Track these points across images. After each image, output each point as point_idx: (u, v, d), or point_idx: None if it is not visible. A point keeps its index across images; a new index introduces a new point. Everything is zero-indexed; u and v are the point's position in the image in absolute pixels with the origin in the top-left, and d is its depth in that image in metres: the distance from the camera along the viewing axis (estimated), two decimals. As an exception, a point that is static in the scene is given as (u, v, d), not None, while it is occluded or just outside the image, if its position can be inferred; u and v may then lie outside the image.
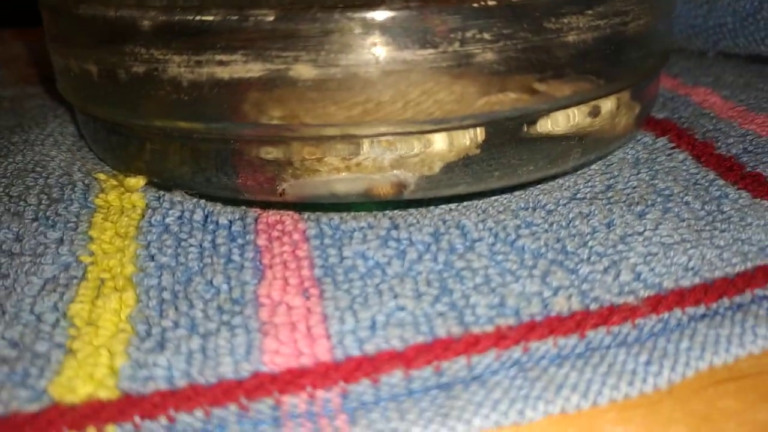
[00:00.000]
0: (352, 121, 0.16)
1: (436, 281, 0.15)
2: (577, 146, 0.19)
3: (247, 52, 0.16)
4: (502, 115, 0.17)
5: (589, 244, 0.16)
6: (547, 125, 0.18)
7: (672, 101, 0.25)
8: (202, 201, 0.18)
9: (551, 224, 0.17)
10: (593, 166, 0.20)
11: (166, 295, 0.15)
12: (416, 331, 0.13)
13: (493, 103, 0.17)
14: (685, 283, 0.15)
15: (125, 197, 0.18)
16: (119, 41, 0.17)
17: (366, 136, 0.17)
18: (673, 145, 0.21)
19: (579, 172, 0.20)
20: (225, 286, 0.15)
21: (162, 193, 0.19)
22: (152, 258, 0.16)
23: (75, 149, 0.22)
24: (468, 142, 0.17)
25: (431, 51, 0.15)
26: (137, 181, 0.19)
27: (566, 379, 0.12)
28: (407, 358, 0.13)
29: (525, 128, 0.18)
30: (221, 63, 0.16)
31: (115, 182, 0.19)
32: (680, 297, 0.14)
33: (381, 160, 0.17)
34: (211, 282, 0.15)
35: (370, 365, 0.13)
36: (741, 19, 0.27)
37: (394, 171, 0.17)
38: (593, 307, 0.14)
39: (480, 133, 0.17)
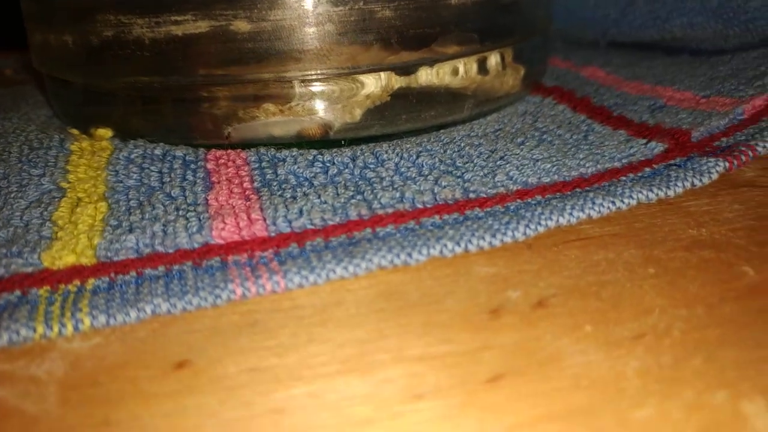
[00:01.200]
0: (283, 69, 0.20)
1: (352, 186, 0.19)
2: (471, 98, 0.23)
3: (196, 12, 0.20)
4: (404, 65, 0.21)
5: (475, 161, 0.20)
6: (444, 77, 0.22)
7: (563, 76, 0.30)
8: (162, 143, 0.22)
9: (446, 150, 0.21)
10: (488, 117, 0.24)
11: (133, 203, 0.18)
12: (334, 214, 0.17)
13: (396, 55, 0.21)
14: (547, 180, 0.19)
15: (96, 144, 0.22)
16: (91, 12, 0.21)
17: (295, 80, 0.20)
18: (556, 102, 0.26)
19: (475, 121, 0.24)
20: (181, 196, 0.18)
21: (127, 140, 0.22)
22: (120, 181, 0.19)
23: (49, 122, 0.26)
24: (380, 90, 0.21)
25: (342, 8, 0.20)
26: (105, 131, 0.22)
27: (445, 233, 0.16)
28: (326, 231, 0.17)
29: (424, 78, 0.22)
30: (176, 22, 0.20)
31: (86, 137, 0.23)
32: (543, 189, 0.18)
33: (310, 105, 0.21)
34: (170, 194, 0.19)
35: (297, 237, 0.17)
36: (621, 8, 0.32)
37: (321, 114, 0.21)
38: (472, 197, 0.18)
39: (388, 82, 0.21)
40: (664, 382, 0.12)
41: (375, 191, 0.18)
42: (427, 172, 0.19)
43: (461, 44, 0.22)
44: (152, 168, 0.20)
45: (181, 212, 0.18)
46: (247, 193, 0.18)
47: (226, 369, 0.13)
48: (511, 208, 0.18)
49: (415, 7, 0.20)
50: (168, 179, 0.19)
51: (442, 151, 0.21)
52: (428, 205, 0.18)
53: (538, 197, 0.18)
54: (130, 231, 0.17)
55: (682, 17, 0.30)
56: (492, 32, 0.22)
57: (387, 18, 0.20)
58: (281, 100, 0.21)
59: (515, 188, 0.18)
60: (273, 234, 0.17)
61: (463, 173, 0.19)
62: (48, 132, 0.23)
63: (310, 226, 0.17)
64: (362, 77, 0.21)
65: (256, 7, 0.19)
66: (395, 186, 0.18)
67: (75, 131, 0.23)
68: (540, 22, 0.25)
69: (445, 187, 0.18)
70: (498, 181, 0.19)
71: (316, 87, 0.21)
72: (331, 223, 0.17)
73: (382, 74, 0.21)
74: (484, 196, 0.18)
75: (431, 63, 0.22)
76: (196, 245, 0.16)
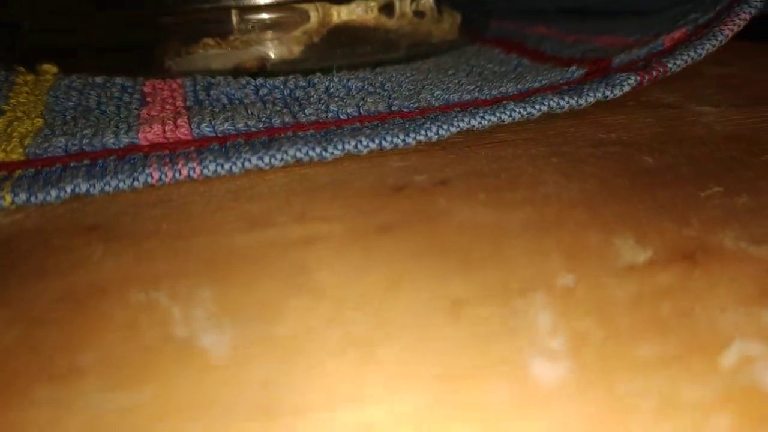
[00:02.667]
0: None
1: (281, 103, 0.19)
2: (406, 38, 0.24)
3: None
4: (338, -3, 0.22)
5: (403, 85, 0.21)
6: (380, 16, 0.23)
7: (507, 32, 0.31)
8: (104, 75, 0.22)
9: (377, 78, 0.22)
10: (426, 61, 0.25)
11: (68, 118, 0.19)
12: (258, 121, 0.18)
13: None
14: (468, 97, 0.20)
15: (41, 78, 0.23)
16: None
17: (232, 10, 0.21)
18: (493, 48, 0.26)
19: (412, 63, 0.25)
20: (115, 113, 0.19)
21: (71, 74, 0.23)
22: (59, 103, 0.20)
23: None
24: (317, 25, 0.22)
25: (273, -64, 0.20)
26: (50, 67, 0.23)
27: (362, 132, 0.17)
28: (248, 134, 0.17)
29: (359, 14, 0.23)
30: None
31: (32, 73, 0.23)
32: (463, 105, 0.19)
33: (248, 37, 0.22)
34: (105, 111, 0.19)
35: (219, 139, 0.17)
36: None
37: (258, 47, 0.22)
38: (395, 110, 0.19)
39: (324, 17, 0.22)
40: (543, 226, 0.13)
41: (302, 106, 0.19)
42: (355, 93, 0.20)
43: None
44: (91, 93, 0.21)
45: (112, 123, 0.18)
46: (178, 109, 0.19)
47: (135, 230, 0.13)
48: (430, 117, 0.18)
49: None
50: (105, 100, 0.20)
51: (373, 78, 0.21)
52: (351, 117, 0.18)
53: (458, 110, 0.19)
54: (62, 135, 0.17)
55: (621, -22, 0.31)
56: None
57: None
58: (220, 33, 0.22)
59: (437, 104, 0.19)
60: (196, 137, 0.17)
61: (389, 94, 0.20)
62: (-5, 71, 0.24)
63: (233, 131, 0.18)
64: (302, 6, 0.22)
65: (190, -65, 0.20)
66: (322, 102, 0.19)
67: (22, 69, 0.24)
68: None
69: (369, 102, 0.19)
70: (422, 98, 0.19)
71: (255, 18, 0.22)
72: (254, 129, 0.18)
73: (319, 6, 0.22)
74: (407, 110, 0.19)
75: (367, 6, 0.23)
76: (122, 145, 0.17)
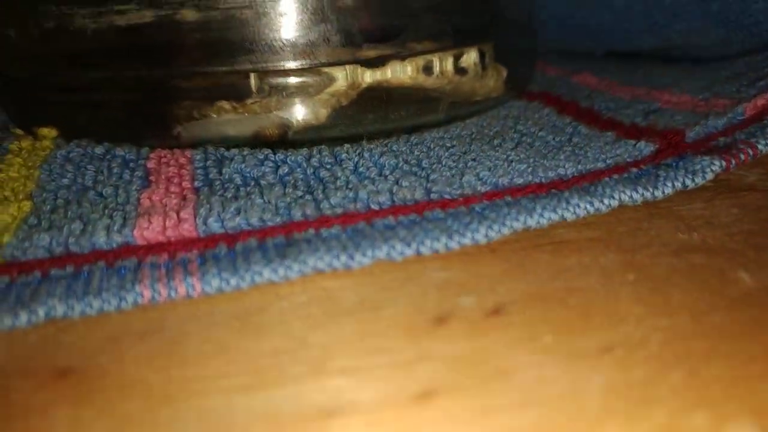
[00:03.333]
0: (236, 61, 0.19)
1: (303, 186, 0.17)
2: (446, 99, 0.21)
3: (140, 1, 0.18)
4: (372, 60, 0.19)
5: (444, 161, 0.18)
6: (417, 75, 0.20)
7: (553, 82, 0.28)
8: (106, 143, 0.20)
9: (413, 150, 0.19)
10: (466, 121, 0.22)
11: (60, 202, 0.17)
12: (275, 214, 0.15)
13: (360, 49, 0.19)
14: (520, 181, 0.17)
15: (37, 144, 0.20)
16: (32, 2, 0.19)
17: (250, 75, 0.19)
18: (542, 105, 0.24)
19: (451, 125, 0.22)
20: (112, 194, 0.17)
21: (72, 140, 0.20)
22: (53, 180, 0.18)
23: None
24: (346, 87, 0.20)
25: (297, -8, 0.18)
26: (49, 131, 0.21)
27: (396, 234, 0.14)
28: (263, 233, 0.15)
29: (394, 75, 0.20)
30: (119, 12, 0.18)
31: (30, 137, 0.21)
32: (514, 191, 0.16)
33: (266, 102, 0.19)
34: (101, 192, 0.17)
35: (228, 238, 0.15)
36: (617, 15, 0.30)
37: (279, 113, 0.20)
38: (434, 197, 0.16)
39: (355, 78, 0.20)
40: (632, 400, 0.10)
41: (327, 191, 0.16)
42: (387, 173, 0.17)
43: (434, 39, 0.20)
44: (89, 167, 0.18)
45: (107, 211, 0.16)
46: (185, 192, 0.17)
47: (114, 380, 0.11)
48: (476, 209, 0.16)
49: (379, -6, 0.19)
50: (103, 178, 0.18)
51: (408, 151, 0.19)
52: (383, 206, 0.16)
53: (509, 198, 0.16)
54: (47, 229, 0.15)
55: (681, 23, 0.28)
56: (468, 27, 0.21)
57: (348, 6, 0.18)
58: (236, 96, 0.19)
59: (484, 190, 0.16)
60: (202, 235, 0.15)
61: (428, 174, 0.17)
62: (-9, 132, 0.22)
63: (245, 227, 0.15)
64: (328, 71, 0.19)
65: (203, -8, 0.18)
66: (350, 186, 0.17)
67: (19, 131, 0.21)
68: (523, 18, 0.23)
69: (404, 186, 0.16)
70: (465, 182, 0.17)
71: (275, 81, 0.19)
72: (270, 224, 0.15)
73: (348, 68, 0.19)
74: (448, 197, 0.16)
75: (401, 58, 0.20)
76: (114, 245, 0.14)
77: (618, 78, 0.27)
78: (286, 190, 0.16)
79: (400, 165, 0.18)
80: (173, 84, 0.19)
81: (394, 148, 0.19)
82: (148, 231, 0.15)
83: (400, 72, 0.20)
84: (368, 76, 0.20)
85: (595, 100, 0.24)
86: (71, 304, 0.12)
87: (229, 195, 0.16)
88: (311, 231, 0.15)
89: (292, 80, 0.19)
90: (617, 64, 0.31)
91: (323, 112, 0.20)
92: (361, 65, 0.20)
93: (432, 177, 0.17)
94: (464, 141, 0.20)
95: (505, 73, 0.23)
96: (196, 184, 0.17)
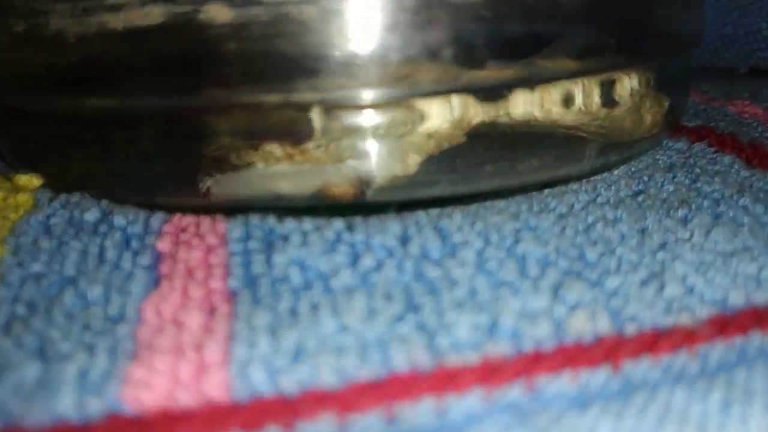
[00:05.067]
0: (293, 88, 0.12)
1: (400, 295, 0.10)
2: (594, 141, 0.15)
3: (147, -9, 0.12)
4: (491, 83, 0.13)
5: (618, 252, 0.11)
6: (551, 107, 0.14)
7: (705, 112, 0.21)
8: (105, 202, 0.14)
9: (563, 229, 0.12)
10: (615, 171, 0.16)
11: (20, 309, 0.10)
12: (362, 360, 0.09)
13: (479, 70, 0.13)
14: (760, 298, 0.10)
15: (11, 197, 0.14)
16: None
17: (312, 108, 0.12)
18: (714, 149, 0.17)
19: (597, 177, 0.15)
20: (102, 300, 0.10)
21: (60, 194, 0.14)
22: (19, 265, 0.12)
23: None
24: (450, 126, 0.13)
25: (395, -16, 0.12)
26: (29, 180, 0.15)
27: (595, 429, 0.08)
28: (345, 399, 0.08)
29: (521, 108, 0.13)
30: (113, 8, 0.12)
31: (8, 184, 0.15)
32: (756, 316, 0.10)
33: (336, 146, 0.13)
34: (84, 295, 0.11)
35: (285, 409, 0.08)
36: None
37: (353, 162, 0.13)
38: (630, 329, 0.09)
39: (466, 113, 0.13)
40: None
41: (442, 309, 0.10)
42: (535, 273, 0.11)
43: (582, 57, 0.14)
44: (74, 245, 0.12)
45: (87, 337, 0.10)
46: (213, 299, 0.10)
47: None
48: (710, 360, 0.09)
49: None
50: (90, 266, 0.11)
51: (556, 230, 0.12)
52: (546, 346, 0.09)
53: (756, 334, 0.09)
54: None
55: None
56: (636, 41, 0.14)
57: (469, 6, 0.12)
58: (292, 137, 0.13)
59: (705, 313, 0.10)
60: (239, 400, 0.08)
61: (602, 277, 0.11)
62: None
63: (312, 387, 0.09)
64: (422, 103, 0.13)
65: (246, -19, 0.11)
66: (479, 299, 0.10)
67: (-6, 176, 0.15)
68: (696, 30, 0.17)
69: (576, 308, 0.10)
70: (670, 297, 0.10)
71: (349, 118, 0.13)
72: (353, 379, 0.09)
73: (455, 100, 0.13)
74: (651, 328, 0.10)
75: (531, 84, 0.14)
76: (90, 418, 0.08)
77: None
78: (375, 305, 0.10)
79: (551, 257, 0.11)
80: (199, 119, 0.13)
81: (532, 222, 0.13)
82: (146, 391, 0.08)
83: (529, 104, 0.14)
84: (484, 112, 0.13)
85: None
86: None
87: (283, 309, 0.10)
88: (430, 405, 0.08)
89: (375, 116, 0.13)
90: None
91: (416, 161, 0.13)
92: (476, 96, 0.13)
93: (611, 286, 0.10)
94: (631, 209, 0.13)
95: (666, 105, 0.16)
96: (231, 283, 0.11)
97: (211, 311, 0.10)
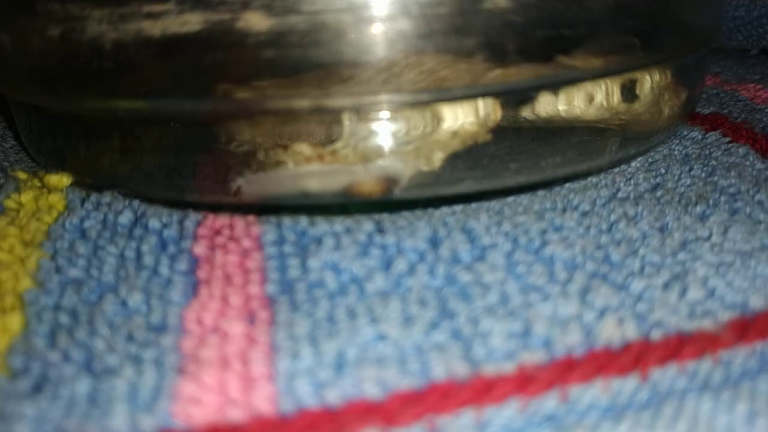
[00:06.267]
0: (323, 92, 0.12)
1: (434, 300, 0.11)
2: (615, 135, 0.15)
3: (182, 0, 0.12)
4: (520, 87, 0.13)
5: (641, 252, 0.12)
6: (576, 105, 0.14)
7: (717, 97, 0.21)
8: (137, 202, 0.14)
9: (588, 228, 0.13)
10: (632, 164, 0.16)
11: (63, 318, 0.11)
12: (402, 370, 0.09)
13: (510, 70, 0.13)
14: (780, 302, 0.11)
15: (43, 198, 0.15)
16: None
17: (344, 111, 0.13)
18: (728, 139, 0.17)
19: (616, 170, 0.16)
20: (143, 308, 0.11)
21: (90, 193, 0.15)
22: (57, 270, 0.12)
23: (13, 151, 0.19)
24: (476, 125, 0.13)
25: (426, -8, 0.12)
26: (60, 179, 0.15)
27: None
28: (388, 411, 0.09)
29: (545, 107, 0.14)
30: (150, 15, 0.12)
31: (37, 182, 0.15)
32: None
33: (365, 146, 0.13)
34: (125, 302, 0.11)
35: (331, 423, 0.09)
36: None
37: (382, 161, 0.13)
38: (656, 335, 0.10)
39: (492, 113, 0.13)
40: None
41: (476, 317, 0.10)
42: (564, 277, 0.11)
43: (608, 57, 0.14)
44: (110, 249, 0.12)
45: (133, 347, 0.10)
46: (252, 305, 0.11)
47: None
48: (734, 367, 0.09)
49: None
50: (130, 272, 0.12)
51: (581, 230, 0.13)
52: (578, 353, 0.10)
53: (777, 340, 0.10)
54: (38, 389, 0.09)
55: None
56: (659, 39, 0.14)
57: (500, 10, 0.12)
58: (321, 138, 0.13)
59: (726, 316, 0.10)
60: (288, 411, 0.09)
61: (627, 280, 0.11)
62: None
63: (356, 399, 0.09)
64: (451, 106, 0.13)
65: (281, -10, 0.11)
66: (511, 305, 0.10)
67: (23, 175, 0.16)
68: (715, 22, 0.17)
69: (604, 313, 0.10)
70: (693, 301, 0.11)
71: (377, 120, 0.13)
72: (395, 391, 0.09)
73: (481, 102, 0.13)
74: (676, 333, 0.10)
75: (557, 85, 0.14)
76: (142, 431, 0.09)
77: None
78: (410, 311, 0.10)
79: (578, 260, 0.12)
80: (231, 122, 0.13)
81: (556, 221, 0.13)
82: (197, 406, 0.09)
83: (553, 103, 0.14)
84: (507, 110, 0.13)
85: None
86: None
87: (322, 315, 0.10)
88: (469, 416, 0.09)
89: (405, 118, 0.13)
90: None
91: (441, 158, 0.14)
92: (502, 99, 0.13)
93: (636, 289, 0.11)
94: (649, 204, 0.14)
95: (683, 97, 0.16)
96: (268, 288, 0.11)
97: (252, 319, 0.11)
